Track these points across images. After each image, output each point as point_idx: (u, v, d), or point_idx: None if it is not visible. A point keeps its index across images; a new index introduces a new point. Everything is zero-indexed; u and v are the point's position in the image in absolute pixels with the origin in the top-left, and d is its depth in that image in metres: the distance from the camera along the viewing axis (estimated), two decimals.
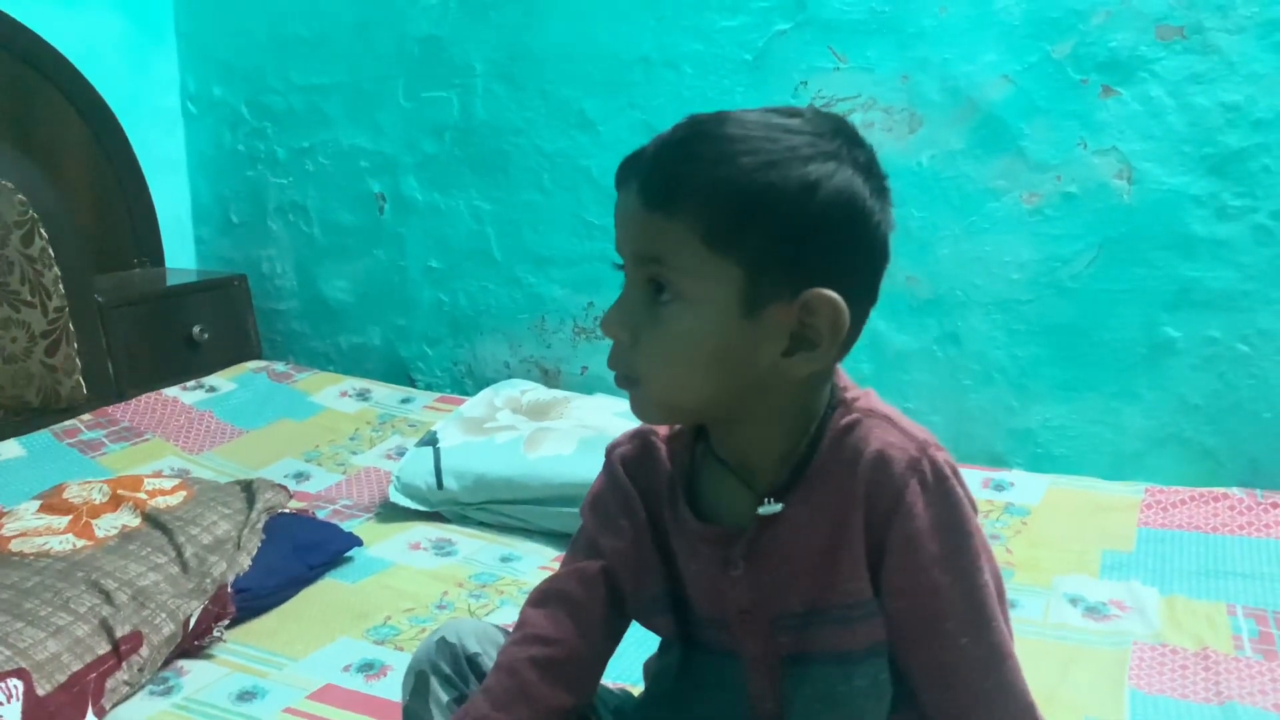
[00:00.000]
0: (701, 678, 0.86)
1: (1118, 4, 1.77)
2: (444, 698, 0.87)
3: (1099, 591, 1.46)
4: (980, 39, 1.86)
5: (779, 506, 0.77)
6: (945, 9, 1.88)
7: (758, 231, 0.71)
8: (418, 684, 0.88)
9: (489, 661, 0.87)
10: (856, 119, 1.97)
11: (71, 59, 2.24)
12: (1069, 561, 1.54)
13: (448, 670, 0.87)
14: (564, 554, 0.91)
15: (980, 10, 1.86)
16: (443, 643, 0.88)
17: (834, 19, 1.96)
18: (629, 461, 0.87)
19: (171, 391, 2.15)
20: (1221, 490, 1.72)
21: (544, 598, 0.87)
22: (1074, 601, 1.43)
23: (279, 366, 2.35)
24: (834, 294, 0.72)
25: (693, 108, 2.41)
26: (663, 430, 0.85)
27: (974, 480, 1.77)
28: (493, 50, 2.24)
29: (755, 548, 0.79)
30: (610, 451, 0.89)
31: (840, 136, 0.74)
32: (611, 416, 1.90)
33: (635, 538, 0.85)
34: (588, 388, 2.22)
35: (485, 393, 2.04)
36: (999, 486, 1.80)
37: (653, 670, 0.91)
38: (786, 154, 0.71)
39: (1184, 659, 1.30)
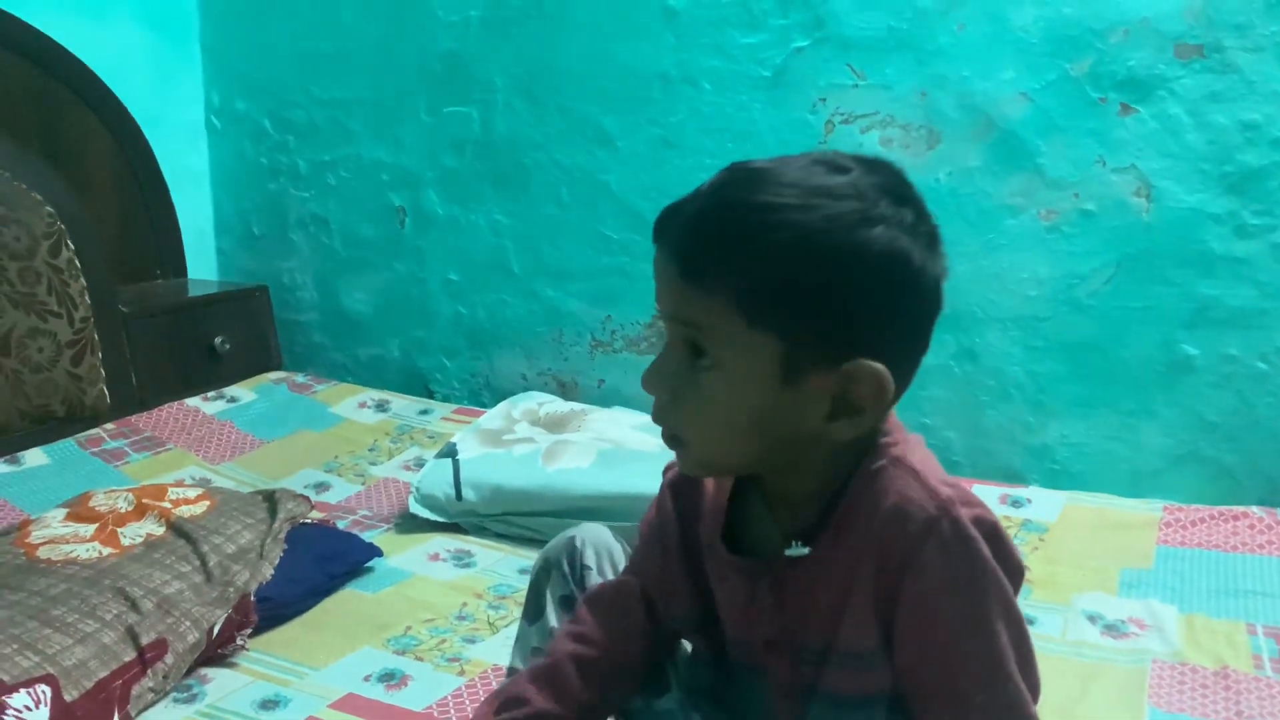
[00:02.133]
0: (733, 689, 0.88)
1: (1136, 22, 1.78)
2: (559, 591, 0.96)
3: (1118, 609, 1.46)
4: (998, 57, 1.87)
5: (806, 550, 0.77)
6: (963, 26, 1.89)
7: (796, 305, 0.70)
8: (543, 568, 0.98)
9: (595, 577, 0.95)
10: (874, 136, 1.98)
11: (98, 72, 2.27)
12: (1087, 579, 1.54)
13: (566, 569, 0.96)
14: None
15: (998, 28, 1.87)
16: (570, 542, 0.98)
17: (852, 36, 1.97)
18: (677, 483, 0.89)
19: (193, 402, 2.17)
20: (1241, 509, 1.71)
21: (594, 599, 0.92)
22: (1093, 619, 1.43)
23: (299, 377, 2.37)
24: (877, 365, 0.71)
25: (711, 124, 2.43)
26: None
27: (990, 497, 1.77)
28: (513, 66, 2.26)
29: (780, 585, 0.80)
30: (665, 472, 0.91)
31: (887, 196, 0.71)
32: (629, 430, 1.90)
33: (665, 563, 0.88)
34: (605, 400, 2.23)
35: (503, 405, 2.05)
36: (1016, 503, 1.80)
37: (683, 673, 0.93)
38: (826, 224, 0.70)
39: (1204, 678, 1.30)
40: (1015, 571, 0.75)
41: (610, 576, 0.97)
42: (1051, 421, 1.95)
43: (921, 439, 0.80)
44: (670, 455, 0.90)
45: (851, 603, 0.76)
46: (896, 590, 0.73)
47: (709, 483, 0.86)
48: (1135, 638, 1.39)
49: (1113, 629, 1.41)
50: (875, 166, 0.74)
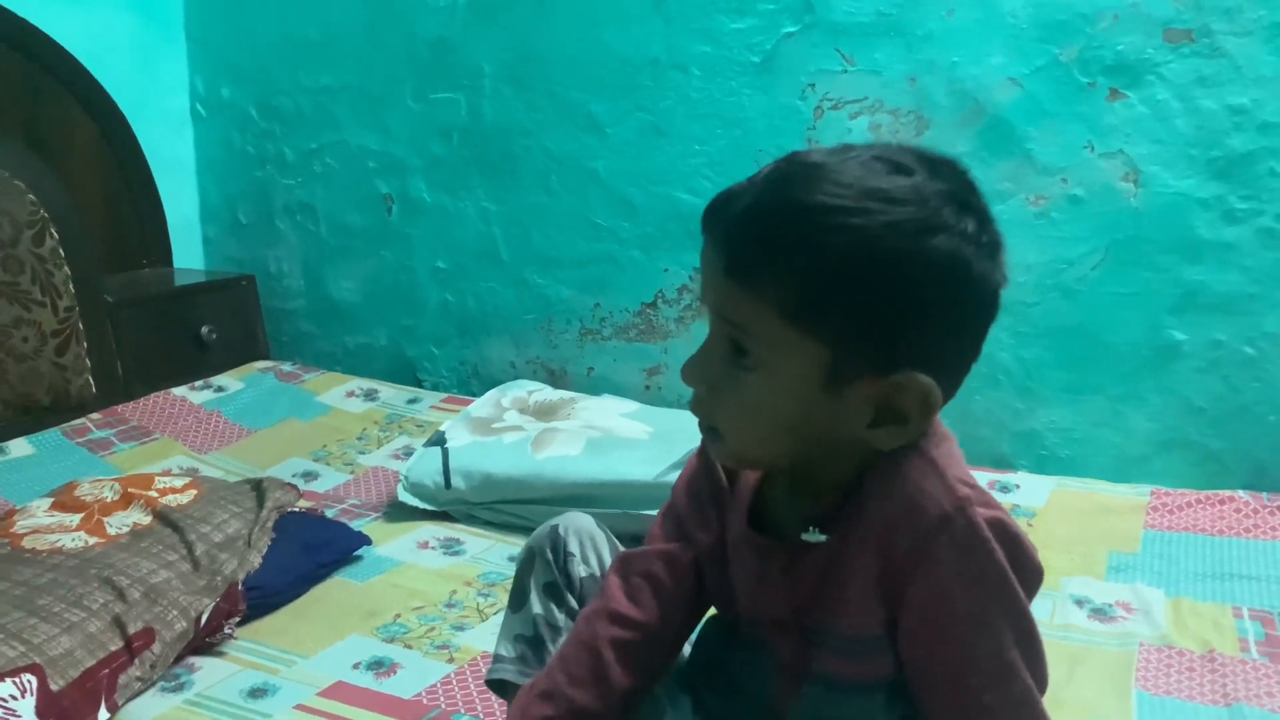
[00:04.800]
0: (737, 656, 0.87)
1: (1125, 7, 1.77)
2: (542, 578, 0.96)
3: (1105, 593, 1.46)
4: (987, 42, 1.87)
5: (823, 537, 0.76)
6: (952, 12, 1.89)
7: (846, 314, 0.68)
8: (527, 557, 0.98)
9: (580, 568, 0.95)
10: (863, 121, 1.98)
11: (81, 59, 2.24)
12: (1075, 563, 1.55)
13: (550, 557, 0.96)
14: (653, 523, 0.92)
15: (987, 13, 1.86)
16: (554, 530, 0.97)
17: (841, 21, 1.96)
18: None
19: (180, 391, 2.16)
20: (1228, 493, 1.72)
21: (628, 569, 0.88)
22: (1080, 603, 1.44)
23: (286, 366, 2.36)
24: (925, 379, 0.69)
25: (701, 110, 2.41)
26: None
27: (978, 482, 1.77)
28: (501, 52, 2.25)
29: (791, 567, 0.79)
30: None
31: (950, 203, 0.68)
32: (618, 418, 1.90)
33: (720, 533, 0.86)
34: (594, 388, 2.22)
35: (493, 393, 2.04)
36: (1004, 489, 1.81)
37: (696, 638, 0.92)
38: (884, 230, 0.67)
39: (1190, 661, 1.30)
40: (1033, 576, 0.73)
41: (594, 563, 0.96)
42: (1040, 407, 1.95)
43: (952, 436, 0.77)
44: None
45: (858, 589, 0.75)
46: (905, 581, 0.72)
47: None
48: (1122, 621, 1.40)
49: (1100, 613, 1.42)
50: (939, 168, 0.70)
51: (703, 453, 0.89)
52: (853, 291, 0.68)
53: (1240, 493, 1.72)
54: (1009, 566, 0.71)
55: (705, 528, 0.87)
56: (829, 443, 0.74)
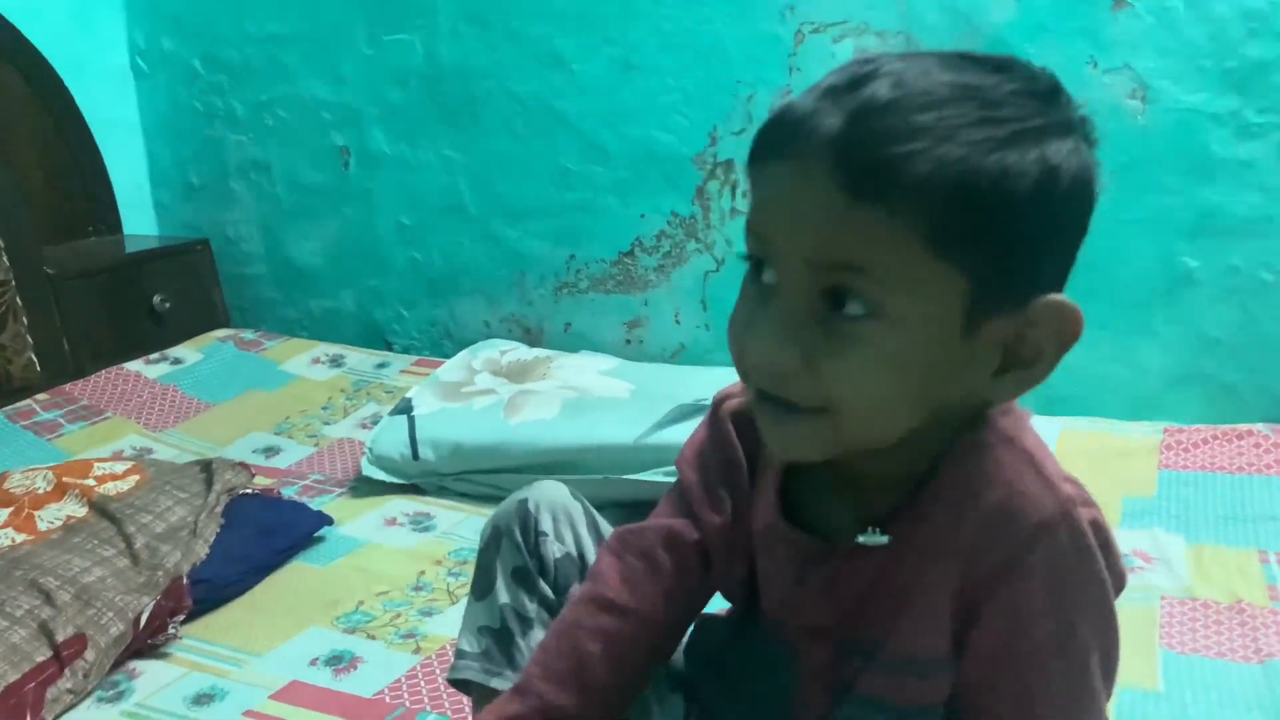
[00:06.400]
0: (751, 656, 0.76)
1: None
2: (510, 563, 0.84)
3: (1122, 542, 1.34)
4: None
5: (885, 539, 0.64)
6: None
7: (994, 229, 0.56)
8: (492, 537, 0.85)
9: (554, 548, 0.83)
10: (848, 45, 1.83)
11: (9, 17, 2.09)
12: None
13: (519, 538, 0.84)
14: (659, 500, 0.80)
15: None
16: (522, 506, 0.85)
17: None
18: (739, 418, 0.74)
19: (134, 366, 2.04)
20: (1246, 427, 1.62)
21: (625, 548, 0.77)
22: None
23: (247, 334, 2.23)
24: (1070, 302, 0.58)
25: (674, 41, 2.23)
26: None
27: None
28: None
29: (839, 572, 0.67)
30: (719, 403, 0.76)
31: (1062, 98, 0.59)
32: (596, 376, 1.79)
33: (734, 513, 0.74)
34: (572, 345, 2.11)
35: (462, 354, 1.93)
36: None
37: (698, 624, 0.81)
38: (1020, 127, 0.56)
39: (1217, 614, 1.22)
40: (1120, 583, 0.64)
41: (570, 541, 0.84)
42: None
43: (1030, 411, 0.66)
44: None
45: (922, 602, 0.64)
46: (986, 596, 0.61)
47: None
48: (1141, 572, 1.31)
49: None
50: (1037, 70, 0.61)
51: (713, 423, 0.76)
52: (999, 203, 0.55)
53: (1259, 426, 1.62)
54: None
55: (717, 509, 0.75)
56: (944, 407, 0.61)
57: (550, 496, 0.85)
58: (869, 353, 0.57)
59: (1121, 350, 1.80)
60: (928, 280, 0.56)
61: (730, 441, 0.74)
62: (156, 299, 2.17)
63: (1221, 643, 1.17)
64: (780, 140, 0.58)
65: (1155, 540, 1.38)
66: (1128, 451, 1.61)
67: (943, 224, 0.55)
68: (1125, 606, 1.18)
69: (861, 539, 0.64)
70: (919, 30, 1.79)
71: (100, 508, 1.29)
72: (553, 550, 0.83)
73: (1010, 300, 0.58)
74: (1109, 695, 0.65)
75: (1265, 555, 1.33)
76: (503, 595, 0.83)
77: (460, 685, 0.86)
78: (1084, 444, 1.65)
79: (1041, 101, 0.58)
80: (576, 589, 0.80)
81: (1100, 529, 0.62)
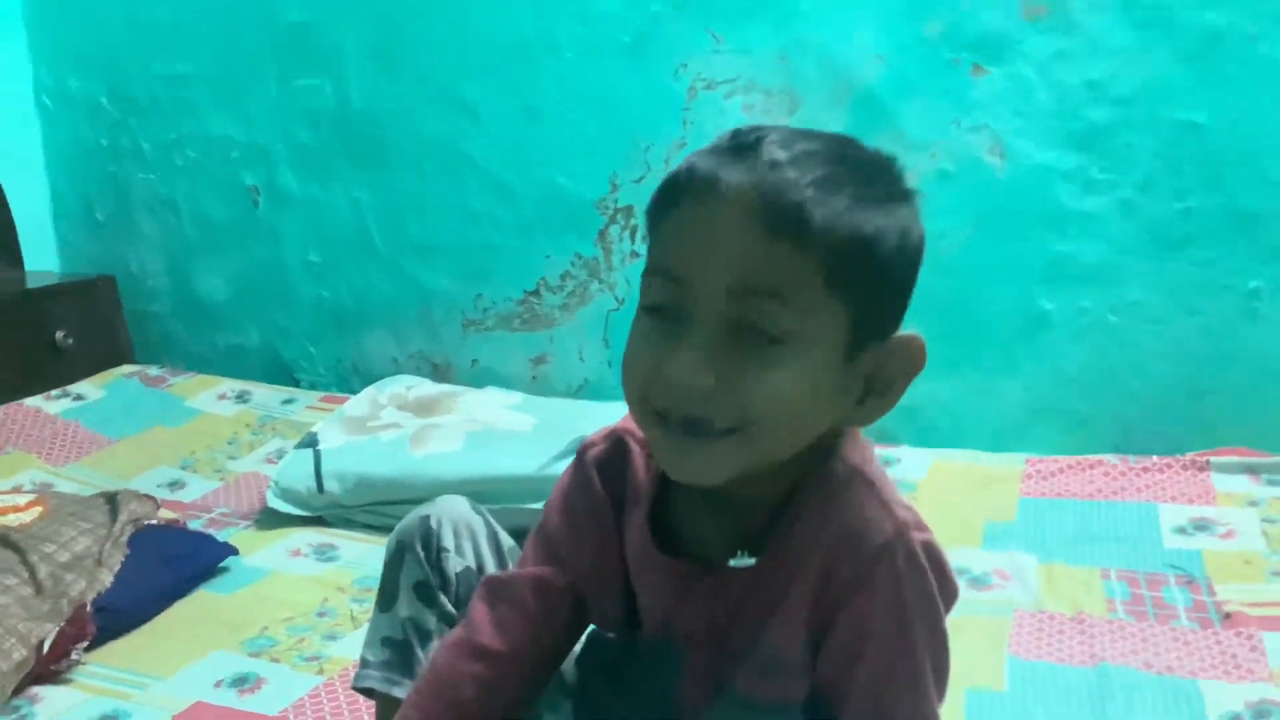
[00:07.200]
0: (637, 658, 0.84)
1: None
2: (412, 577, 0.88)
3: (982, 562, 1.49)
4: (855, 18, 1.87)
5: (752, 561, 0.73)
6: None
7: (870, 271, 0.67)
8: (396, 552, 0.90)
9: (455, 562, 0.88)
10: (736, 102, 1.96)
11: None
12: (954, 534, 1.56)
13: (420, 553, 0.88)
14: (524, 546, 0.87)
15: None
16: (424, 522, 0.89)
17: (711, 0, 1.94)
18: (602, 464, 0.82)
19: (33, 401, 2.04)
20: (1097, 457, 1.76)
21: (496, 597, 0.83)
22: (959, 573, 1.44)
23: (152, 370, 2.24)
24: (920, 337, 0.70)
25: (575, 92, 2.35)
26: (640, 433, 0.80)
27: None
28: (366, 33, 2.16)
29: (711, 590, 0.76)
30: (583, 451, 0.84)
31: (899, 169, 0.72)
32: (501, 410, 1.86)
33: (601, 549, 0.82)
34: (479, 380, 2.17)
35: (369, 390, 1.98)
36: (886, 463, 1.82)
37: (585, 643, 0.89)
38: (885, 190, 0.68)
39: (1061, 624, 1.33)
40: (952, 596, 0.74)
41: (470, 555, 0.90)
42: (919, 381, 1.95)
43: (871, 443, 0.76)
44: (586, 433, 0.84)
45: (784, 612, 0.73)
46: (839, 606, 0.71)
47: (638, 469, 0.80)
48: (998, 589, 1.42)
49: (977, 582, 1.44)
50: (858, 142, 0.73)
51: (578, 469, 0.84)
52: (874, 251, 0.66)
53: (1109, 456, 1.77)
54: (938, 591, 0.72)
55: (582, 547, 0.83)
56: (819, 432, 0.71)
57: (453, 512, 0.91)
58: (783, 373, 0.66)
59: (987, 386, 1.94)
60: (824, 310, 0.66)
61: (594, 484, 0.82)
62: (59, 334, 2.16)
63: (1062, 649, 1.28)
64: (696, 190, 0.67)
65: (1013, 560, 1.50)
66: (992, 480, 1.74)
67: (835, 262, 0.65)
68: (981, 618, 1.32)
69: (732, 562, 0.73)
70: (801, 88, 1.93)
71: (2, 538, 1.31)
72: (453, 565, 0.89)
73: (878, 334, 0.70)
74: (942, 696, 0.74)
75: (1107, 572, 1.45)
76: (404, 609, 0.89)
77: (364, 693, 0.92)
78: (954, 473, 1.78)
79: (888, 171, 0.71)
80: (455, 632, 0.84)
81: (932, 550, 0.71)
